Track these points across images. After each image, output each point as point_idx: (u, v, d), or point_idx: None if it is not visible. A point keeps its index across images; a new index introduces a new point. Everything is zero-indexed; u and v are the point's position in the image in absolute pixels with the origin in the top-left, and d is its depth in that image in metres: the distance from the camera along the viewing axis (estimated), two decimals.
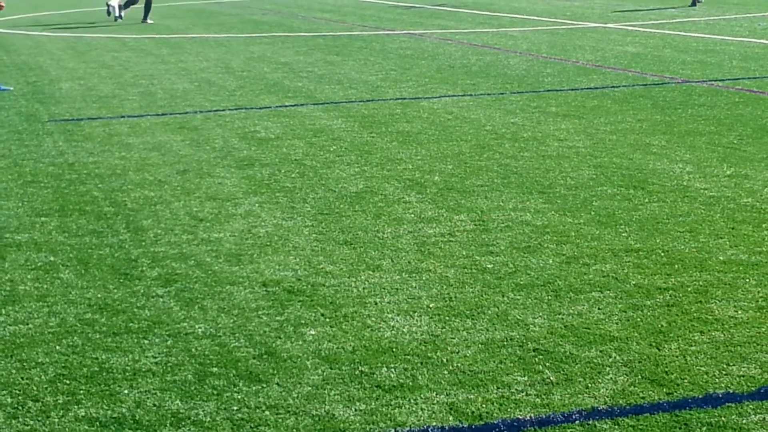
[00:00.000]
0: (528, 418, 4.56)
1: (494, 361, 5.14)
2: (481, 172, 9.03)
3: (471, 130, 10.96)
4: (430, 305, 5.92)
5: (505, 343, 5.36)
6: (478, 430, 4.49)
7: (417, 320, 5.70)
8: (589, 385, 4.86)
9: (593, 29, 21.56)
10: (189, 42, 21.26)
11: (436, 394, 4.81)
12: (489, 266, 6.55)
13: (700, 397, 4.72)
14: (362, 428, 4.52)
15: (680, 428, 4.45)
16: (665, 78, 14.37)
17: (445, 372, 5.04)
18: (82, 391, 4.92)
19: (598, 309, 5.79)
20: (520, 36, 20.68)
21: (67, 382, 5.03)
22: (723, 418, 4.51)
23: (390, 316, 5.78)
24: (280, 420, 4.61)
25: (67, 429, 4.58)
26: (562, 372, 5.01)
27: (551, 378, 4.94)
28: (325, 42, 20.61)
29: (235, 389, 4.92)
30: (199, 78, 15.64)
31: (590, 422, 4.50)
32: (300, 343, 5.43)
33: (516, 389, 4.84)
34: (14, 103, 13.57)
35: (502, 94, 13.39)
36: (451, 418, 4.58)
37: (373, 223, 7.58)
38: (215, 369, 5.14)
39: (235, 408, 4.74)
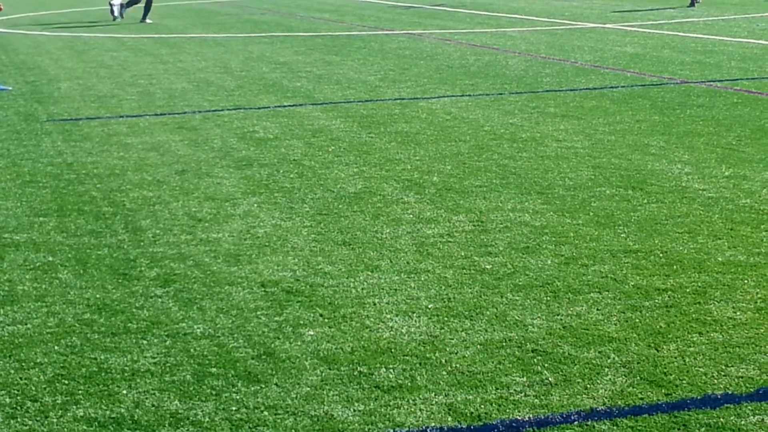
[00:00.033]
0: (527, 418, 4.56)
1: (493, 362, 5.14)
2: (480, 173, 9.03)
3: (469, 130, 10.97)
4: (429, 306, 5.92)
5: (504, 343, 5.37)
6: (476, 431, 4.49)
7: (416, 321, 5.70)
8: (588, 385, 4.86)
9: (592, 29, 21.56)
10: (188, 42, 21.25)
11: (435, 395, 4.81)
12: (487, 267, 6.55)
13: (699, 398, 4.72)
14: (361, 429, 4.52)
15: (679, 429, 4.45)
16: (664, 78, 14.37)
17: (444, 372, 5.04)
18: (80, 392, 4.92)
19: (597, 310, 5.79)
20: (518, 36, 20.68)
21: (66, 382, 5.03)
22: (721, 419, 4.51)
23: (389, 316, 5.77)
24: (278, 420, 4.61)
25: (65, 429, 4.57)
26: (560, 373, 5.01)
27: (550, 379, 4.95)
28: (324, 42, 20.60)
29: (233, 389, 4.92)
30: (198, 78, 15.63)
31: (589, 423, 4.51)
32: (299, 343, 5.43)
33: (515, 390, 4.84)
34: (13, 102, 13.57)
35: (501, 94, 13.39)
36: (449, 419, 4.58)
37: (372, 224, 7.58)
38: (214, 369, 5.14)
39: (233, 408, 4.74)
